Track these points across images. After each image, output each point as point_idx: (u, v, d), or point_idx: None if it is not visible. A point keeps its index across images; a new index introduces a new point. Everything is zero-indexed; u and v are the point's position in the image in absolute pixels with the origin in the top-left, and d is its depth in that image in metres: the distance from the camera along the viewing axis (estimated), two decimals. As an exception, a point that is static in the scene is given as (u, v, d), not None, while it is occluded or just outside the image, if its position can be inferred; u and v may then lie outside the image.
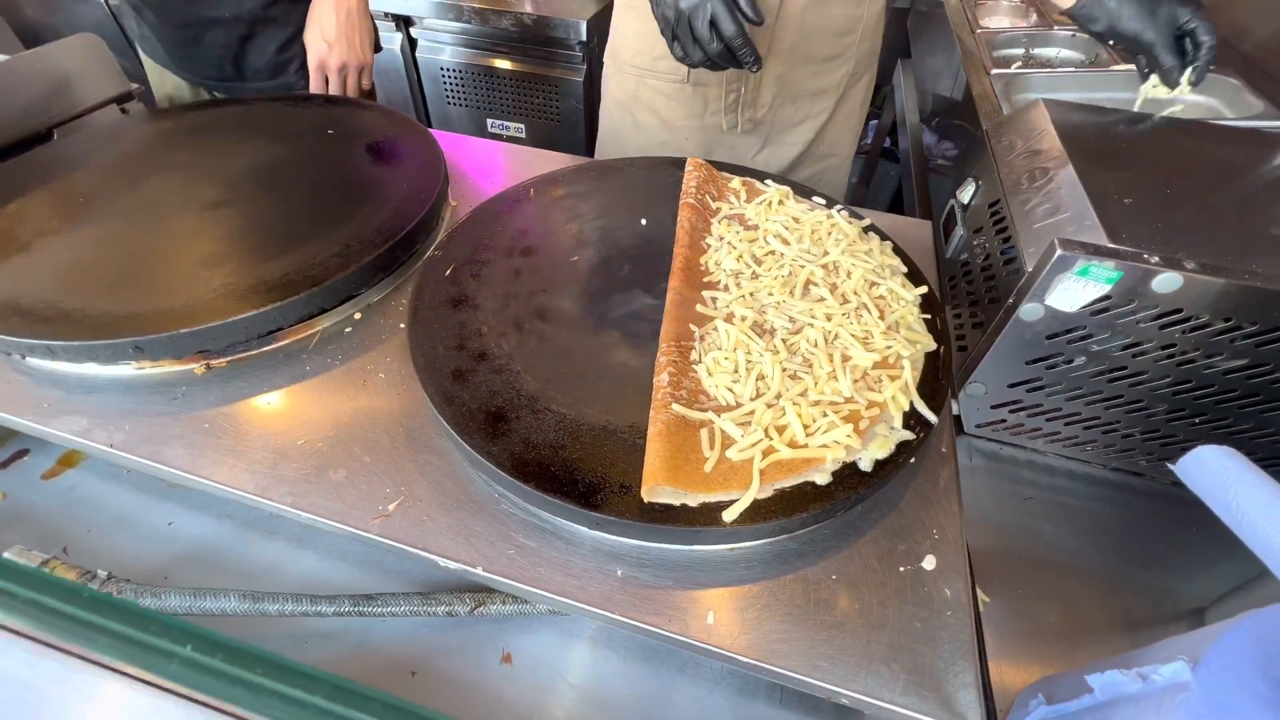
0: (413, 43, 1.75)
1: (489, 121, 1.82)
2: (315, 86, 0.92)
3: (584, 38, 1.55)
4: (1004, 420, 0.69)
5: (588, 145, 1.78)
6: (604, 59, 1.00)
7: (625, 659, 0.57)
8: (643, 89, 0.92)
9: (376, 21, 1.34)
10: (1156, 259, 0.53)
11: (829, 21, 0.85)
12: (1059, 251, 0.54)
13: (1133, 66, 0.89)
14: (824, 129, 0.96)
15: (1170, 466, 0.48)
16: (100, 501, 0.68)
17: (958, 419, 0.68)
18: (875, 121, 1.91)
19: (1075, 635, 0.58)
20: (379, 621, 0.59)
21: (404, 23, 1.72)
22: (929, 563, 0.43)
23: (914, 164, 1.20)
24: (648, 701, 0.55)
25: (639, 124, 0.96)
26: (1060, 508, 0.68)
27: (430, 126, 1.91)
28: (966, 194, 0.84)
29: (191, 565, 0.65)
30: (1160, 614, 0.60)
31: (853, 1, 0.85)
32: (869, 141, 1.93)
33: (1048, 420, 0.68)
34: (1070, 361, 0.62)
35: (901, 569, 0.43)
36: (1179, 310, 0.55)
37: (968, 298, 0.73)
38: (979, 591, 0.57)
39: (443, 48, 1.74)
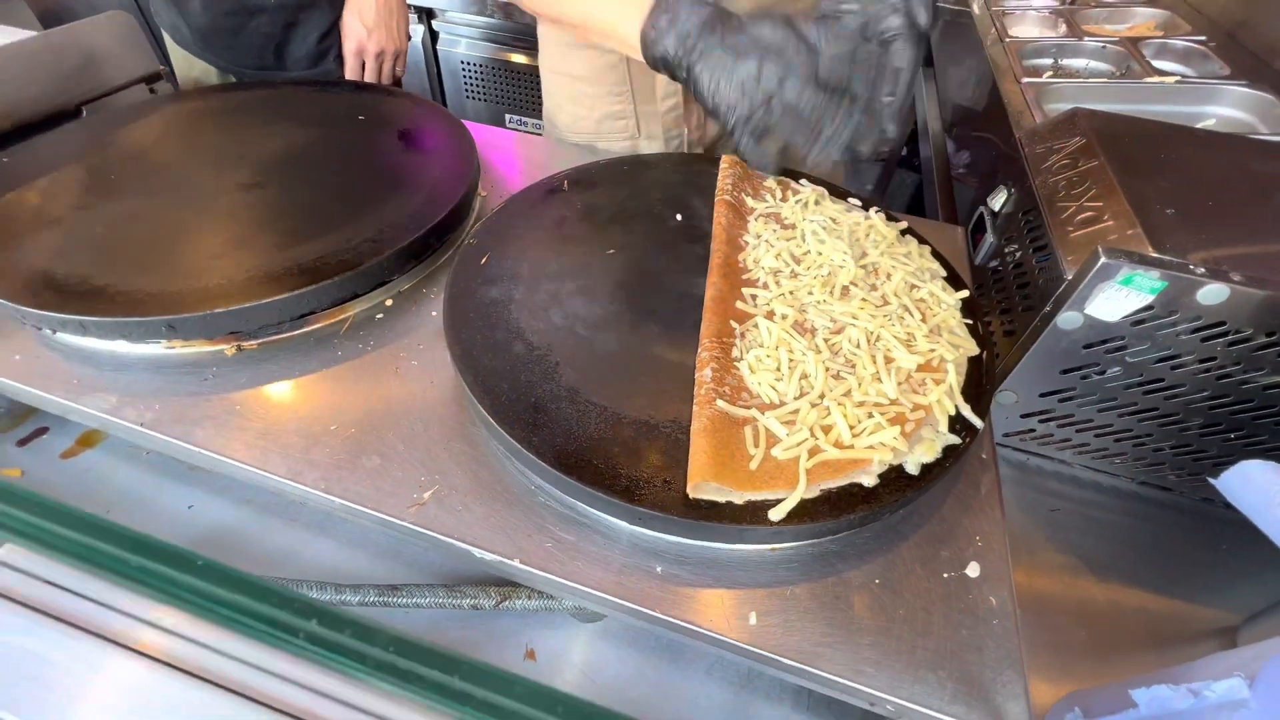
0: (434, 35, 1.75)
1: (507, 116, 1.81)
2: (352, 72, 0.91)
3: (607, 35, 1.54)
4: (1033, 430, 0.69)
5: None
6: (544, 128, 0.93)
7: (649, 659, 0.56)
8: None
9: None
10: (1203, 270, 0.52)
11: None
12: (1103, 259, 0.53)
13: (1165, 79, 0.89)
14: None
15: (1211, 481, 0.48)
16: (119, 483, 0.68)
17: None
18: (893, 129, 1.90)
19: (1103, 649, 0.58)
20: (400, 613, 0.58)
21: (427, 15, 1.72)
22: (973, 570, 0.43)
23: (937, 172, 1.19)
24: (673, 703, 0.54)
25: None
26: (1087, 520, 0.67)
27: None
28: (998, 201, 0.83)
29: (210, 549, 0.64)
30: (1189, 631, 0.60)
31: None
32: (887, 150, 1.93)
33: (1078, 431, 0.67)
34: (1104, 372, 0.61)
35: (945, 575, 0.42)
36: (1222, 323, 0.54)
37: (998, 305, 0.72)
38: (1008, 602, 0.56)
39: (463, 41, 1.73)
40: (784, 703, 0.54)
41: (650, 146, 0.84)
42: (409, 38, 0.98)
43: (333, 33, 0.94)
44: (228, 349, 0.54)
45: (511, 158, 0.84)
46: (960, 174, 1.32)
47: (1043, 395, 0.65)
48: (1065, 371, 0.62)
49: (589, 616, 0.55)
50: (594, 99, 0.80)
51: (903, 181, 1.90)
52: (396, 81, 1.00)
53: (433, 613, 0.57)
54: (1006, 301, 0.71)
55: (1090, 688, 0.46)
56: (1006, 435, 0.70)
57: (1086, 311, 0.57)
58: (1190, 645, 0.59)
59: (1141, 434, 0.65)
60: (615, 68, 0.77)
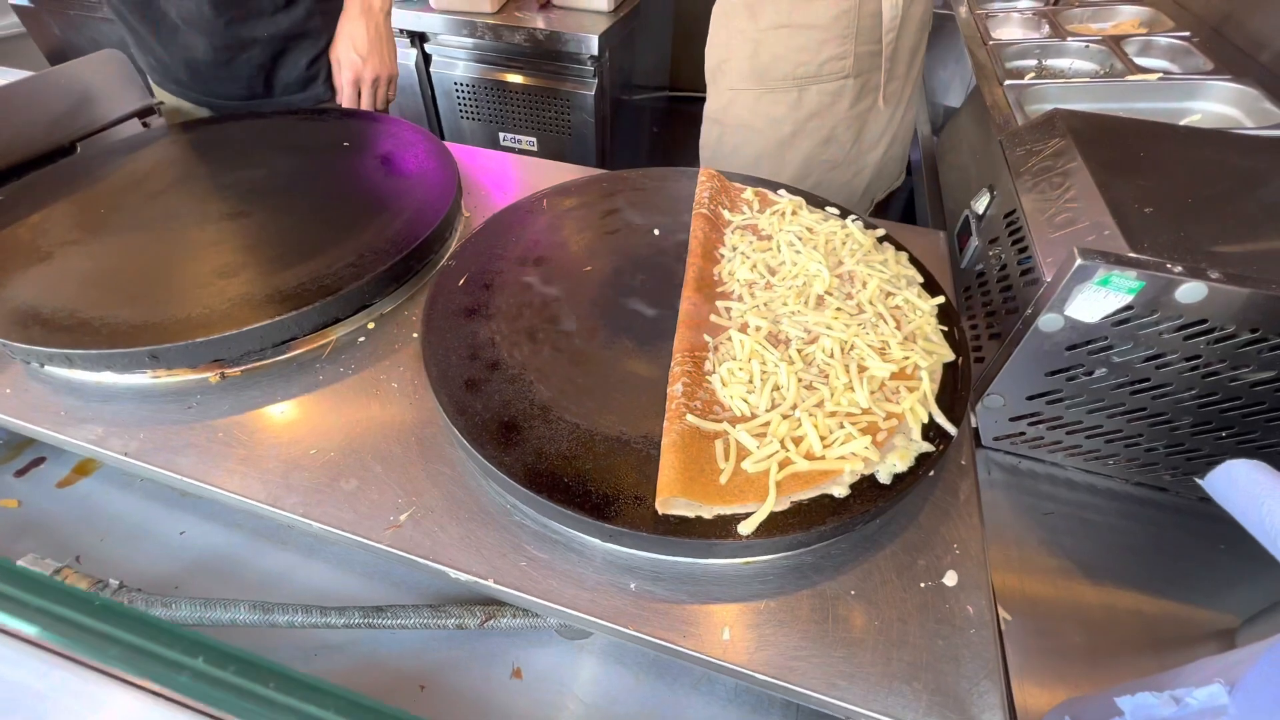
0: (427, 58, 1.78)
1: (501, 135, 1.83)
2: (349, 101, 0.93)
3: (595, 52, 1.56)
4: (1023, 433, 0.68)
5: (599, 157, 1.79)
6: (731, 89, 1.03)
7: (637, 675, 0.56)
8: (806, 97, 0.99)
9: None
10: (1180, 268, 0.52)
11: None
12: (1079, 261, 0.53)
13: (1148, 76, 0.89)
14: (919, 84, 1.08)
15: (1198, 481, 0.47)
16: (113, 510, 0.69)
17: (975, 431, 0.67)
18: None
19: (1099, 655, 0.57)
20: (388, 634, 0.58)
21: (419, 39, 1.75)
22: (950, 578, 0.42)
23: (925, 175, 1.20)
24: (660, 718, 0.54)
25: (801, 131, 1.02)
26: (1082, 523, 0.66)
27: (444, 139, 1.93)
28: (981, 204, 0.83)
29: (203, 575, 0.65)
30: (1187, 634, 0.58)
31: None
32: (880, 153, 1.93)
33: (1068, 433, 0.66)
34: (1091, 373, 0.60)
35: (922, 584, 0.42)
36: (1203, 321, 0.54)
37: (984, 308, 0.72)
38: (1000, 609, 0.56)
39: (456, 63, 1.76)
40: (773, 715, 0.54)
41: (854, 84, 0.98)
42: (397, 64, 1.00)
43: (321, 58, 0.96)
44: (211, 376, 0.55)
45: (498, 178, 0.85)
46: (950, 176, 1.32)
47: (1030, 398, 0.65)
48: (1051, 374, 0.62)
49: (574, 634, 0.55)
50: (821, 44, 0.94)
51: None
52: (387, 105, 1.02)
53: (420, 633, 0.58)
54: (992, 304, 0.71)
55: (1083, 695, 0.46)
56: (997, 439, 0.69)
57: (1066, 313, 0.57)
58: (1188, 649, 0.58)
59: (1132, 434, 0.64)
60: (848, 13, 0.92)
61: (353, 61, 0.91)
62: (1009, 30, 1.19)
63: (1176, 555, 0.64)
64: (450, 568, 0.43)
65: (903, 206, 1.81)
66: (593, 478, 0.43)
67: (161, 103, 0.94)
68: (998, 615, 0.53)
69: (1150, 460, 0.66)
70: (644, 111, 2.19)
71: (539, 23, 1.61)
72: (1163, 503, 0.67)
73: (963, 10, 1.35)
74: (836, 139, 1.02)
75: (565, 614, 0.41)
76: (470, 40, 1.69)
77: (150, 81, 1.01)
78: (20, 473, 0.72)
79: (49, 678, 0.43)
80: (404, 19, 1.67)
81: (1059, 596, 0.60)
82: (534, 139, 1.81)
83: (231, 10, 0.88)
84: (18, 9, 2.18)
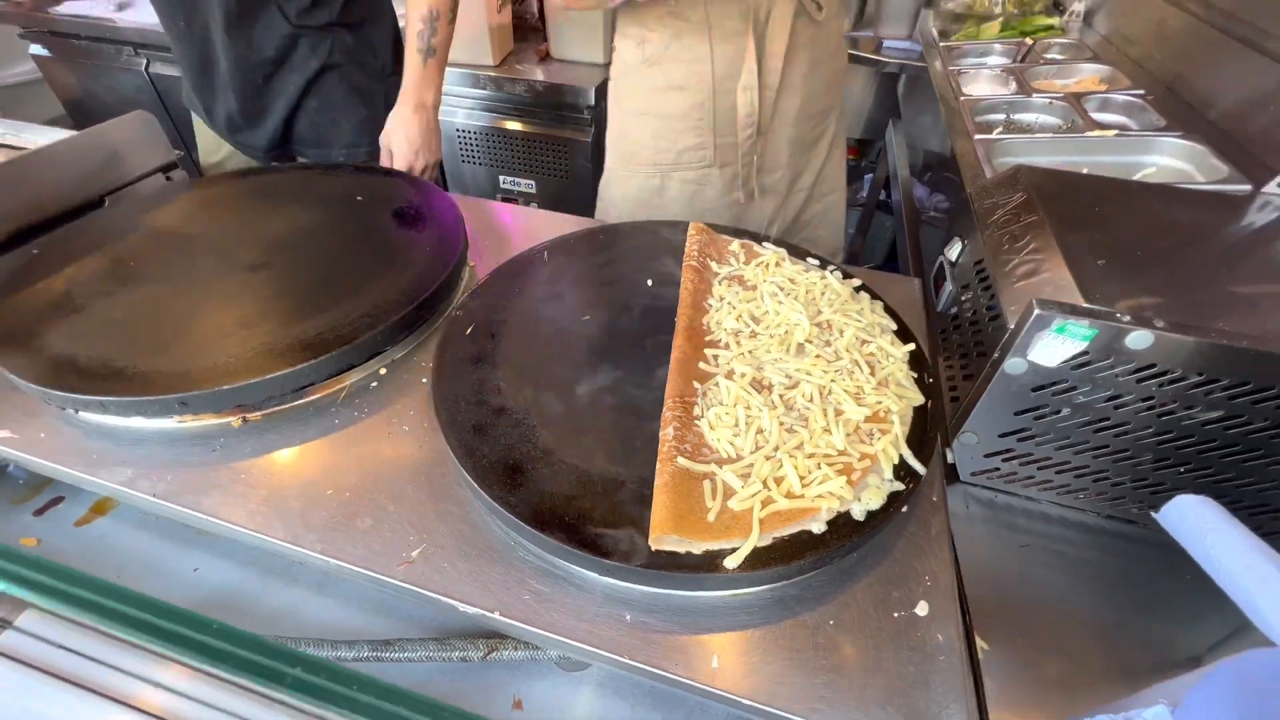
0: (431, 107, 1.86)
1: (502, 178, 1.91)
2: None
3: (592, 102, 1.65)
4: (998, 468, 0.72)
5: (595, 198, 1.86)
6: (609, 167, 1.07)
7: (633, 705, 0.59)
8: (669, 184, 1.01)
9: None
10: (1128, 318, 0.57)
11: (822, 79, 0.95)
12: (1037, 311, 0.58)
13: (1105, 133, 0.96)
14: (822, 170, 1.06)
15: (1153, 514, 0.51)
16: (130, 548, 0.71)
17: (953, 467, 0.70)
18: (870, 176, 2.00)
19: (1075, 683, 0.59)
20: (393, 666, 0.61)
21: (424, 89, 1.83)
22: (922, 609, 0.46)
23: (905, 219, 1.26)
24: (655, 748, 0.56)
25: (665, 215, 1.03)
26: (1056, 555, 0.69)
27: (446, 183, 2.01)
28: (954, 252, 0.89)
29: (216, 610, 0.67)
30: (1158, 661, 0.61)
31: (834, 58, 0.97)
32: (864, 195, 2.01)
33: (1039, 469, 0.70)
34: (1058, 412, 0.65)
35: (896, 615, 0.45)
36: (1153, 365, 0.58)
37: (958, 350, 0.77)
38: (978, 639, 0.58)
39: (459, 111, 1.85)
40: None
41: (721, 174, 0.99)
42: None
43: (341, 118, 1.04)
44: (234, 421, 0.59)
45: (500, 229, 0.90)
46: (931, 217, 1.38)
47: (1002, 435, 0.68)
48: (1019, 413, 0.66)
49: (573, 665, 0.58)
50: (678, 133, 0.95)
51: (882, 223, 1.98)
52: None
53: (425, 666, 0.60)
54: (965, 346, 0.75)
55: (1051, 722, 0.49)
56: (974, 474, 0.73)
57: (1029, 358, 0.61)
58: (1158, 675, 0.61)
59: (1099, 470, 0.68)
60: (701, 105, 0.93)
61: (404, 154, 1.02)
62: (979, 86, 1.27)
63: (1146, 585, 0.67)
64: (460, 602, 0.46)
65: (887, 248, 1.88)
66: (592, 516, 0.46)
67: (181, 153, 1.00)
68: (975, 644, 0.56)
69: (1118, 494, 0.69)
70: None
71: (538, 75, 1.69)
72: (1132, 535, 0.71)
73: (937, 65, 1.44)
74: None
75: (566, 645, 0.44)
76: (473, 90, 1.77)
77: (202, 124, 1.10)
78: (39, 511, 0.75)
79: (62, 702, 0.47)
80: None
81: (1036, 626, 0.63)
82: (533, 182, 1.89)
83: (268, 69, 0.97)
84: (37, 58, 2.28)
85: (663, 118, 0.95)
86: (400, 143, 1.02)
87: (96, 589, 0.40)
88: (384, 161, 1.04)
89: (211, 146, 1.11)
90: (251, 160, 1.11)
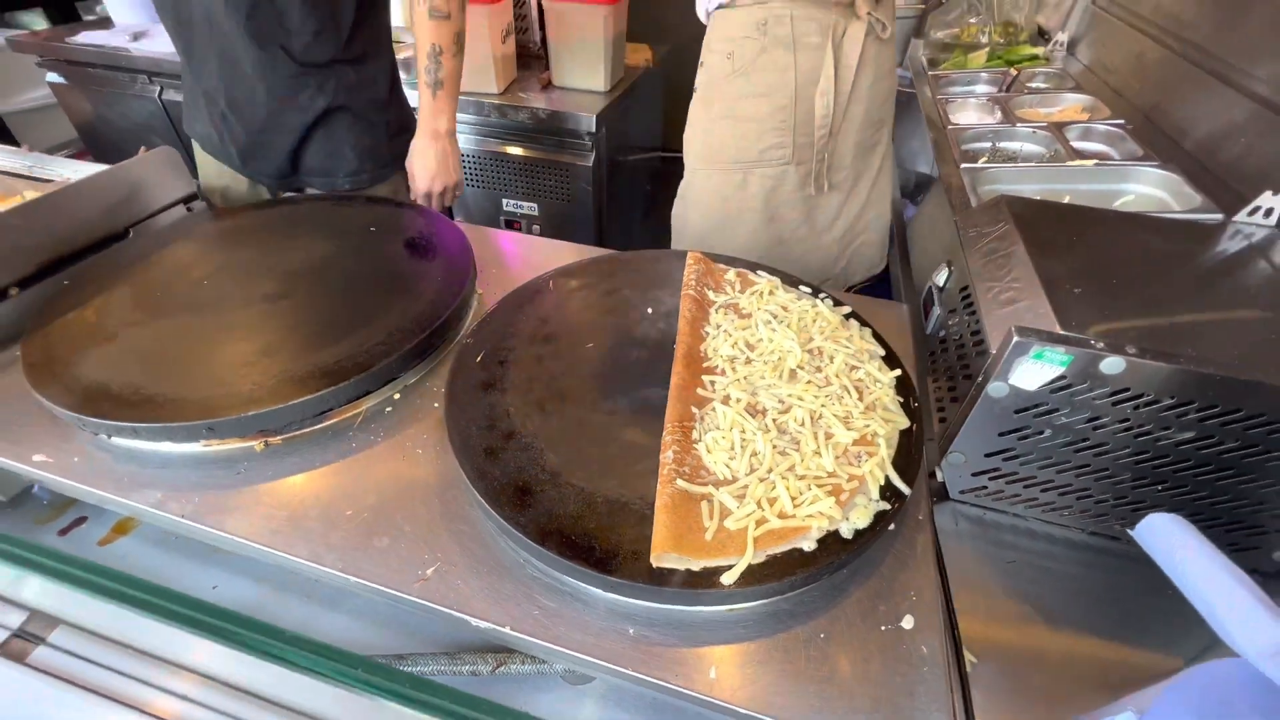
0: (437, 132, 1.92)
1: (505, 201, 1.96)
2: (421, 203, 1.12)
3: (592, 129, 1.70)
4: (985, 487, 0.75)
5: (596, 225, 1.91)
6: (691, 169, 1.18)
7: (635, 717, 0.61)
8: (750, 179, 1.11)
9: (404, 113, 1.52)
10: (1102, 344, 0.60)
11: (881, 91, 1.07)
12: (1016, 338, 0.61)
13: (1086, 162, 1.00)
14: (877, 179, 1.17)
15: (1129, 532, 0.54)
16: (151, 566, 0.74)
17: (943, 485, 0.73)
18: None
19: (1061, 696, 0.62)
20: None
21: (430, 116, 1.89)
22: (908, 622, 0.49)
23: (898, 245, 1.30)
24: (658, 759, 0.58)
25: (746, 209, 1.14)
26: (1043, 571, 0.72)
27: (451, 207, 2.05)
28: (941, 278, 0.92)
29: (234, 627, 0.70)
30: (1138, 675, 0.64)
31: (890, 75, 1.08)
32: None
33: (1025, 487, 0.73)
34: (1040, 433, 0.68)
35: (883, 628, 0.48)
36: (1127, 389, 0.62)
37: (945, 372, 0.80)
38: (966, 652, 0.61)
39: (462, 136, 1.90)
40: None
41: (796, 171, 1.10)
42: (462, 170, 1.17)
43: (345, 148, 1.09)
44: (257, 445, 0.62)
45: (507, 257, 0.94)
46: (918, 248, 1.43)
47: (988, 455, 0.72)
48: (1003, 434, 0.69)
49: (578, 679, 0.60)
50: (760, 134, 1.07)
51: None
52: (452, 204, 1.20)
53: (435, 679, 0.63)
54: (952, 369, 0.79)
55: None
56: (963, 492, 0.76)
57: (1010, 381, 0.65)
58: (1138, 688, 0.63)
59: (1081, 488, 0.71)
60: (784, 108, 1.04)
61: (423, 179, 1.10)
62: (966, 115, 1.32)
63: (1129, 600, 0.69)
64: (472, 617, 0.49)
65: (881, 272, 1.93)
66: (596, 535, 0.49)
67: (199, 184, 1.05)
68: (964, 657, 0.59)
69: (1100, 512, 0.72)
70: (639, 171, 2.34)
71: (541, 102, 1.75)
72: (1116, 551, 0.74)
73: (927, 90, 1.49)
74: (781, 218, 1.15)
75: (572, 658, 0.47)
76: (477, 117, 1.83)
77: (201, 150, 1.14)
78: (63, 531, 0.78)
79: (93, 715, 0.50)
80: (415, 98, 1.81)
81: (1022, 640, 0.66)
82: (535, 205, 1.94)
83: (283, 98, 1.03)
84: (53, 85, 2.34)
85: (748, 120, 1.07)
86: (419, 170, 1.10)
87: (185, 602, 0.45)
88: (411, 186, 1.11)
89: (212, 173, 1.16)
90: (259, 186, 1.16)
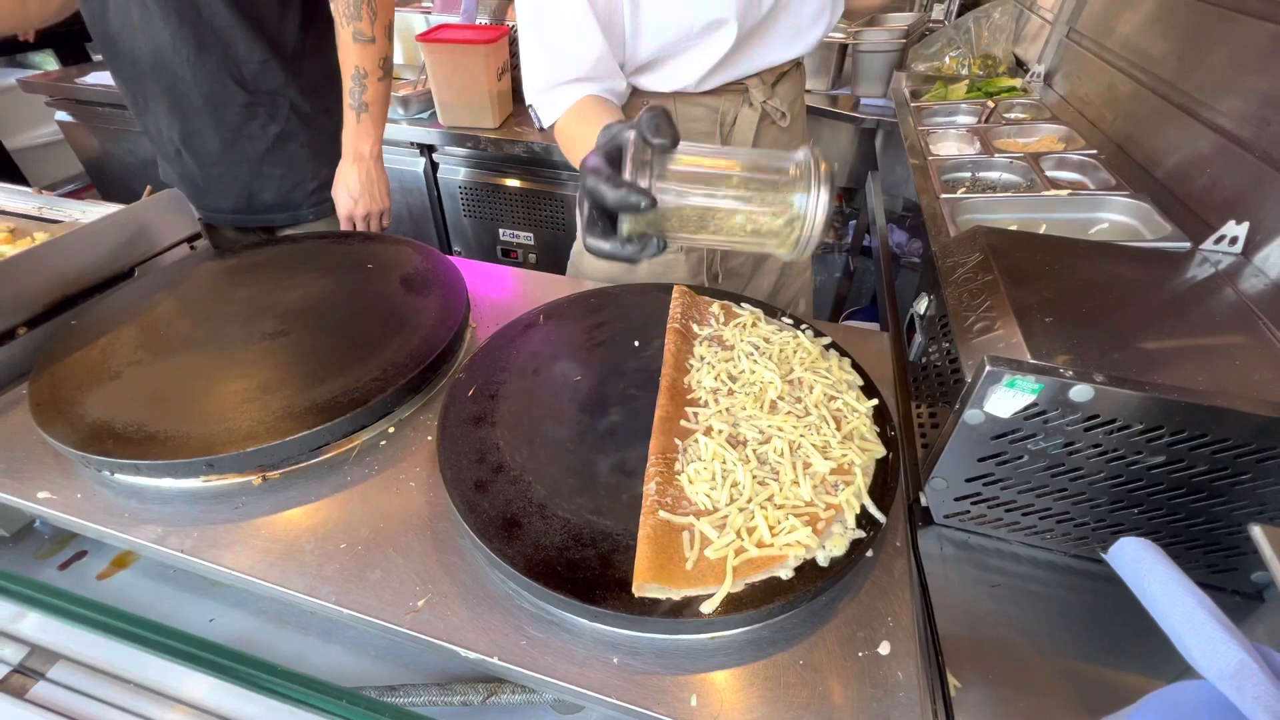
0: (434, 165, 1.97)
1: (501, 231, 2.00)
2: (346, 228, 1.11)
3: (587, 161, 1.75)
4: (968, 511, 0.76)
5: (591, 251, 1.95)
6: (578, 250, 1.14)
7: (625, 747, 0.62)
8: (639, 266, 1.04)
9: (405, 152, 1.55)
10: (1070, 372, 0.63)
11: None
12: (988, 367, 0.64)
13: (1060, 191, 1.03)
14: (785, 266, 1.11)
15: (1103, 555, 0.56)
16: (149, 600, 0.75)
17: (927, 510, 0.75)
18: (854, 221, 2.09)
19: (1044, 718, 0.63)
20: (399, 712, 0.64)
21: (428, 150, 1.95)
22: (884, 648, 0.50)
23: (883, 269, 1.33)
24: (646, 788, 0.59)
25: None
26: (1027, 594, 0.73)
27: (448, 235, 2.09)
28: (922, 306, 0.95)
29: (230, 659, 0.71)
30: (1124, 696, 0.64)
31: (792, 140, 1.01)
32: (849, 240, 2.10)
33: (1006, 511, 0.75)
34: (1019, 458, 0.70)
35: (860, 654, 0.50)
36: (1097, 415, 0.64)
37: (927, 398, 0.82)
38: (950, 677, 0.62)
39: (460, 169, 1.95)
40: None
41: (687, 260, 1.02)
42: (389, 198, 1.16)
43: (302, 184, 1.13)
44: (255, 479, 0.64)
45: (500, 292, 0.97)
46: (908, 262, 1.46)
47: (969, 480, 0.73)
48: (982, 459, 0.71)
49: (568, 708, 0.61)
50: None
51: (866, 268, 2.06)
52: (382, 229, 1.19)
53: (428, 710, 0.64)
54: (932, 396, 0.81)
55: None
56: (946, 517, 0.77)
57: (985, 409, 0.67)
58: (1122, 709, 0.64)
59: (1060, 511, 0.73)
60: None
61: (345, 202, 1.09)
62: (947, 145, 1.36)
63: (1113, 623, 0.70)
64: (461, 647, 0.50)
65: (872, 292, 1.96)
66: (581, 566, 0.51)
67: (202, 219, 1.08)
68: (947, 682, 0.60)
69: (1080, 535, 0.74)
70: (633, 204, 2.39)
71: (536, 136, 1.80)
72: (1098, 574, 0.75)
73: (910, 120, 1.54)
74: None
75: (558, 687, 0.48)
76: (474, 151, 1.88)
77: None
78: (64, 566, 0.79)
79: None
80: (416, 134, 1.87)
81: (1007, 664, 0.67)
82: (530, 234, 1.98)
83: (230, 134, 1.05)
84: (61, 123, 2.41)
85: None
86: (342, 195, 1.09)
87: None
88: (339, 215, 1.10)
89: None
90: (221, 226, 1.18)
